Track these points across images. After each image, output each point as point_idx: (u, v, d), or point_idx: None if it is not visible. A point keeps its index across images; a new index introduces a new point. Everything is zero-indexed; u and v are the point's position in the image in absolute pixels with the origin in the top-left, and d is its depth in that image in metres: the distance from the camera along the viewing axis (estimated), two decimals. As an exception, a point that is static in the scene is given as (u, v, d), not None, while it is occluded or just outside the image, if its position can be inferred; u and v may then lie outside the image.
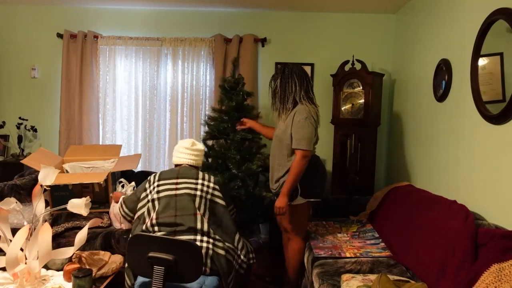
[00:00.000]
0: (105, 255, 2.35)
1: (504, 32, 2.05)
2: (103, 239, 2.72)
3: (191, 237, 2.11)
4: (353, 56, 3.71)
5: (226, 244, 2.21)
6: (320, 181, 2.69)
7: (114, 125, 4.05)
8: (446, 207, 2.27)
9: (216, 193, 2.29)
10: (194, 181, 2.25)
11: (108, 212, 2.95)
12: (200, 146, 2.47)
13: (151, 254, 1.85)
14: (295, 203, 2.56)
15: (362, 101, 3.58)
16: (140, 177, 3.36)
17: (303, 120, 2.48)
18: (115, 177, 3.15)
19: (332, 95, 3.76)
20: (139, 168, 3.82)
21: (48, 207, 2.77)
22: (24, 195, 3.08)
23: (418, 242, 2.28)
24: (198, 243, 2.09)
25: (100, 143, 4.04)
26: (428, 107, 3.02)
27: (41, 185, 2.14)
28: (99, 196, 3.01)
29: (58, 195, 2.88)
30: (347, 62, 3.69)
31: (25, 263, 2.02)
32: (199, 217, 2.16)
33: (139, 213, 2.28)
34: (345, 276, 2.14)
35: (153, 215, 2.20)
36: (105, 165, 3.25)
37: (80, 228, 2.62)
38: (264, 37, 4.01)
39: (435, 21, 2.98)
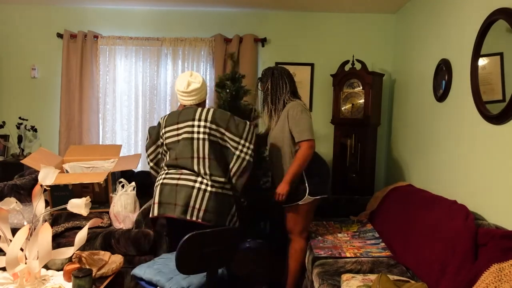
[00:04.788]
0: (105, 255, 2.35)
1: (504, 32, 2.05)
2: (103, 239, 2.73)
3: (192, 178, 2.17)
4: (353, 56, 3.71)
5: (223, 179, 2.23)
6: (326, 176, 2.74)
7: (114, 125, 4.05)
8: (446, 207, 2.27)
9: (213, 132, 2.24)
10: (190, 123, 2.25)
11: (108, 212, 2.95)
12: (196, 83, 2.33)
13: (206, 250, 1.91)
14: (302, 202, 2.57)
15: (362, 101, 3.58)
16: (140, 177, 3.37)
17: (300, 113, 2.53)
18: (115, 177, 3.15)
19: (332, 95, 3.76)
20: (139, 168, 3.80)
21: (48, 207, 2.77)
22: (24, 195, 3.08)
23: (418, 242, 2.28)
24: (197, 184, 2.15)
25: (100, 143, 4.04)
26: (428, 107, 3.02)
27: (41, 185, 2.13)
28: (99, 196, 3.01)
29: (58, 195, 2.88)
30: (347, 62, 3.69)
31: (25, 263, 2.02)
32: (196, 160, 2.20)
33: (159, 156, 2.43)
34: (345, 276, 2.14)
35: (166, 157, 2.32)
36: (105, 165, 3.25)
37: (80, 228, 2.62)
38: (264, 37, 4.01)
39: (435, 21, 2.98)
